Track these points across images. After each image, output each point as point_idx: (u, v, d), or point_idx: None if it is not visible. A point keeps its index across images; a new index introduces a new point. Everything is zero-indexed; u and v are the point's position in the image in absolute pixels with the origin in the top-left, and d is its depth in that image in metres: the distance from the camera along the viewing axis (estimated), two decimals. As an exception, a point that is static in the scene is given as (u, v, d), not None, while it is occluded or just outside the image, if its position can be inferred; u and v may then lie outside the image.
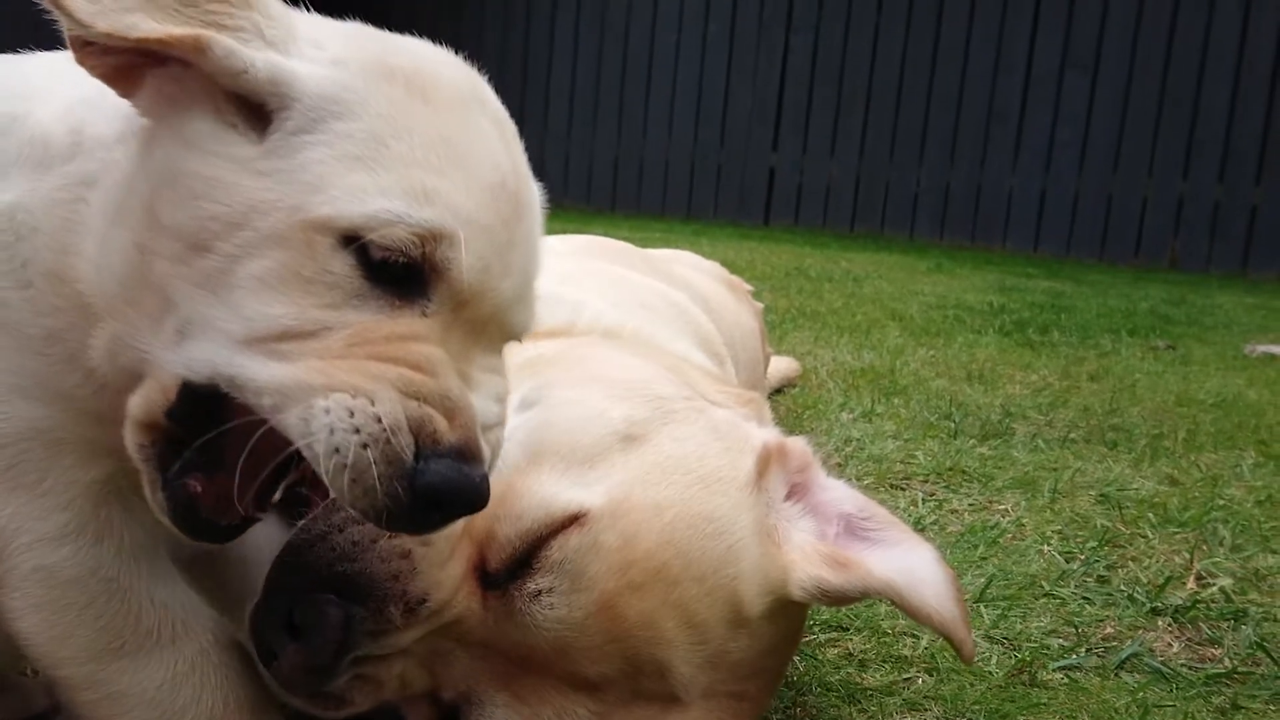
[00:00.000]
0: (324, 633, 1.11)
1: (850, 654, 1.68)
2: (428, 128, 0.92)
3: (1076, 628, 1.82)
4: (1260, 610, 1.93)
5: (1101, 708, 1.56)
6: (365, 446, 0.86)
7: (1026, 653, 1.71)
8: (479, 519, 1.12)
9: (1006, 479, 2.62)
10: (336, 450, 0.86)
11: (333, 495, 0.89)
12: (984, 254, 9.01)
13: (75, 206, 0.98)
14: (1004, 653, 1.72)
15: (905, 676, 1.62)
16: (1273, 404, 3.76)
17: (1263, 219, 8.86)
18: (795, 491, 1.34)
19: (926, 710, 1.53)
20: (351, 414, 0.86)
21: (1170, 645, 1.79)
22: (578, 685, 1.16)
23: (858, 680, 1.61)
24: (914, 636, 1.74)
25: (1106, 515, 2.39)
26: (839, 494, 1.36)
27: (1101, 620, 1.86)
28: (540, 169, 1.08)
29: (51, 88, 1.05)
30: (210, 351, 0.89)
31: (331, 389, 0.87)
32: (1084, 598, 1.94)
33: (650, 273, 2.07)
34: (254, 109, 0.91)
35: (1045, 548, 2.17)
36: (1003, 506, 2.43)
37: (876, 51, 9.98)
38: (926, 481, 2.58)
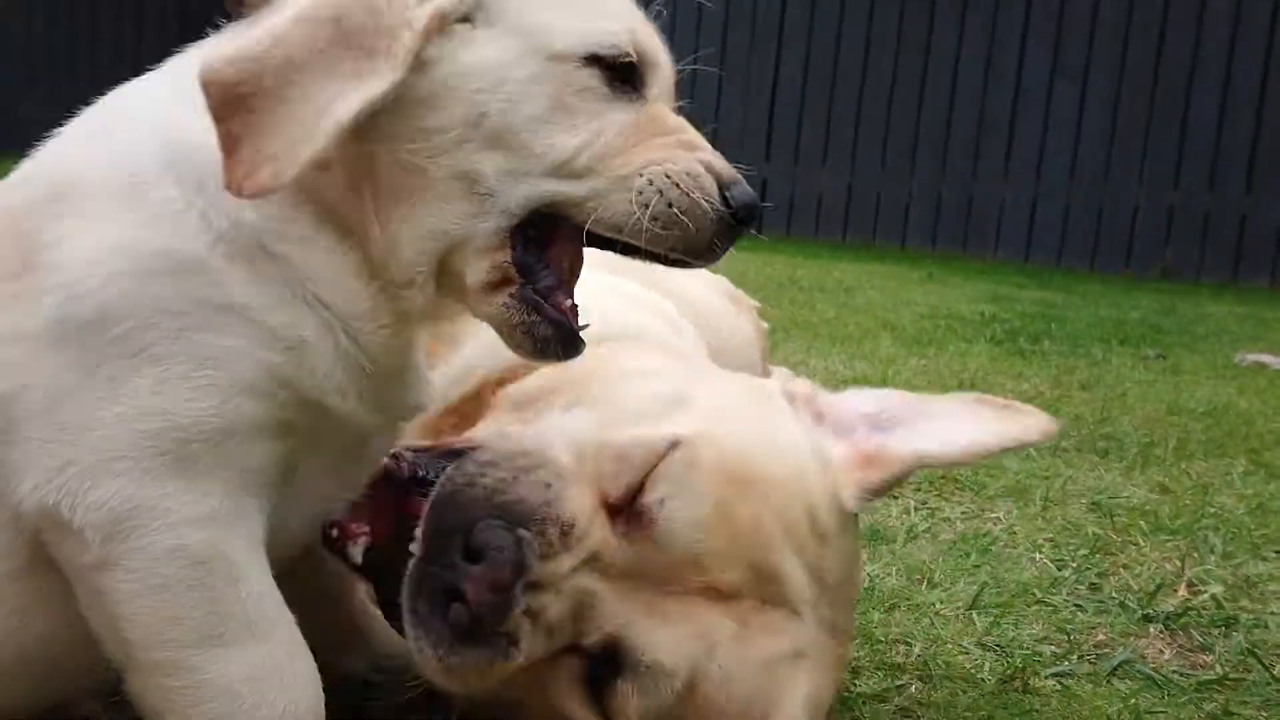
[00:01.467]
0: (502, 551, 1.17)
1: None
2: None
3: (1068, 635, 1.82)
4: (1251, 617, 1.94)
5: (1094, 714, 1.57)
6: (686, 194, 1.12)
7: (1019, 660, 1.72)
8: (590, 463, 1.27)
9: (998, 487, 2.63)
10: (670, 204, 1.11)
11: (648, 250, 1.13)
12: (975, 264, 9.04)
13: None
14: (996, 660, 1.72)
15: (898, 683, 1.63)
16: (1263, 413, 3.78)
17: (1253, 228, 8.90)
18: (817, 417, 1.45)
19: (919, 717, 1.54)
20: (668, 175, 1.12)
21: (1162, 652, 1.80)
22: (715, 597, 1.24)
23: (850, 687, 1.61)
24: (906, 644, 1.75)
25: (1098, 523, 2.40)
26: (850, 402, 1.47)
27: (1093, 627, 1.86)
28: (533, 182, 1.14)
29: None
30: (521, 193, 1.10)
31: (643, 168, 1.12)
32: (1076, 605, 1.95)
33: (646, 282, 2.08)
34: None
35: (1037, 555, 2.18)
36: (995, 514, 2.44)
37: (868, 63, 10.02)
38: (919, 490, 2.59)
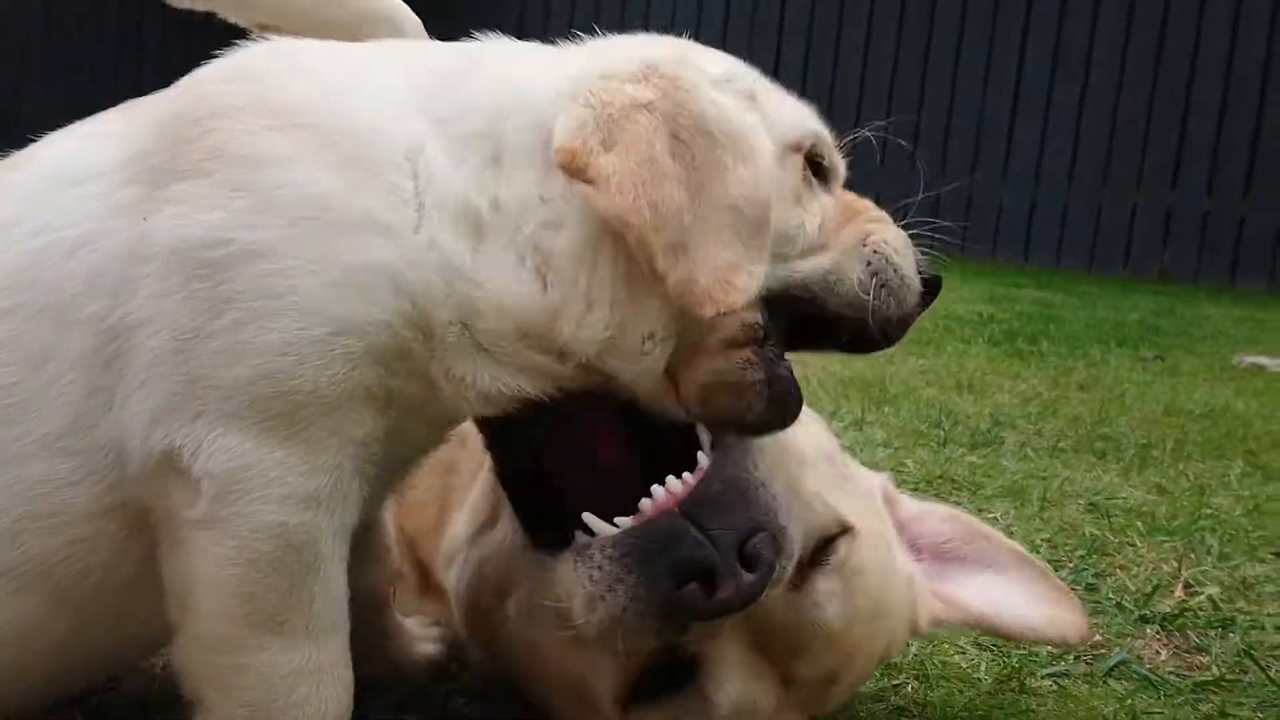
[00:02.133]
0: (770, 574, 1.16)
1: (840, 661, 1.68)
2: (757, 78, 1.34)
3: (1065, 635, 1.82)
4: (1247, 619, 1.94)
5: (1090, 715, 1.57)
6: (897, 269, 1.23)
7: (1015, 660, 1.72)
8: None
9: (996, 487, 2.63)
10: (895, 269, 1.22)
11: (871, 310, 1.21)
12: (973, 264, 9.04)
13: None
14: (993, 660, 1.72)
15: (894, 683, 1.62)
16: (1260, 414, 3.78)
17: (1251, 231, 8.90)
18: (897, 526, 1.48)
19: (915, 716, 1.54)
20: (887, 242, 1.24)
21: (1158, 653, 1.80)
22: (782, 677, 1.27)
23: (847, 687, 1.61)
24: (903, 643, 1.75)
25: (1095, 524, 2.40)
26: (926, 523, 1.51)
27: (1090, 628, 1.86)
28: (533, 178, 1.11)
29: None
30: (777, 274, 1.17)
31: (864, 240, 1.23)
32: (1072, 605, 1.95)
33: None
34: None
35: (1034, 556, 2.17)
36: (992, 515, 2.44)
37: (867, 61, 10.01)
38: (916, 490, 2.59)
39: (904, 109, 9.87)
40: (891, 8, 9.89)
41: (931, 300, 1.28)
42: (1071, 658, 1.75)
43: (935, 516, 1.51)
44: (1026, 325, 5.58)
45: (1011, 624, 1.43)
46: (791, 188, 1.21)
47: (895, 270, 1.23)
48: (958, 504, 2.49)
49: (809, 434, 1.39)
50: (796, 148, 1.24)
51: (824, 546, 1.28)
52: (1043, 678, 1.67)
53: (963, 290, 7.03)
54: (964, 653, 1.74)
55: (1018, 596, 1.43)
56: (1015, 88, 9.53)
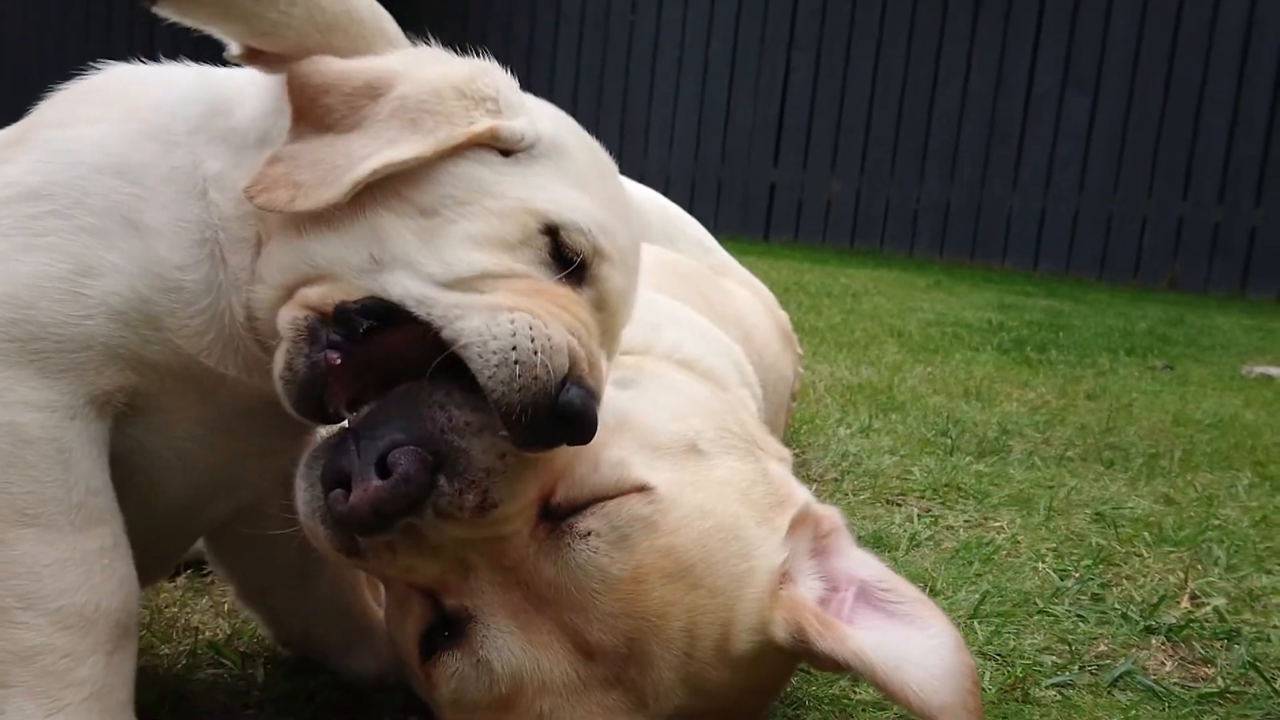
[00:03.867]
0: (408, 486, 1.13)
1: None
2: (604, 181, 1.30)
3: (1070, 645, 1.82)
4: (1254, 630, 1.93)
5: (1093, 725, 1.56)
6: (535, 353, 1.08)
7: (1020, 669, 1.71)
8: (561, 455, 1.23)
9: (1002, 496, 2.63)
10: (514, 348, 1.08)
11: (488, 390, 1.08)
12: (983, 272, 9.03)
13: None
14: (997, 669, 1.72)
15: (898, 692, 1.62)
16: (1269, 425, 3.77)
17: (1262, 240, 8.87)
18: (817, 552, 1.39)
19: (919, 725, 1.53)
20: (530, 328, 1.10)
21: (1163, 664, 1.79)
22: (576, 645, 1.21)
23: (850, 695, 1.61)
24: (907, 652, 1.74)
25: (1102, 533, 2.39)
26: (858, 562, 1.38)
27: (1095, 638, 1.86)
28: (541, 182, 1.17)
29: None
30: (405, 282, 1.12)
31: (517, 309, 1.11)
32: (1078, 615, 1.94)
33: (706, 307, 2.10)
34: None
35: (1040, 565, 2.17)
36: (998, 523, 2.43)
37: (878, 69, 10.01)
38: (922, 498, 2.59)
39: (914, 119, 9.87)
40: (902, 18, 9.89)
41: (559, 424, 1.10)
42: (1076, 668, 1.74)
43: (875, 565, 1.36)
44: (1035, 333, 5.57)
45: (894, 683, 1.21)
46: (502, 234, 1.16)
47: (514, 346, 1.09)
48: (964, 512, 2.49)
49: (668, 415, 1.38)
50: (547, 225, 1.19)
51: (601, 500, 1.24)
52: (1047, 688, 1.67)
53: (972, 298, 7.02)
54: None
55: (927, 667, 1.22)
56: (1026, 97, 9.52)
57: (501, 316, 1.10)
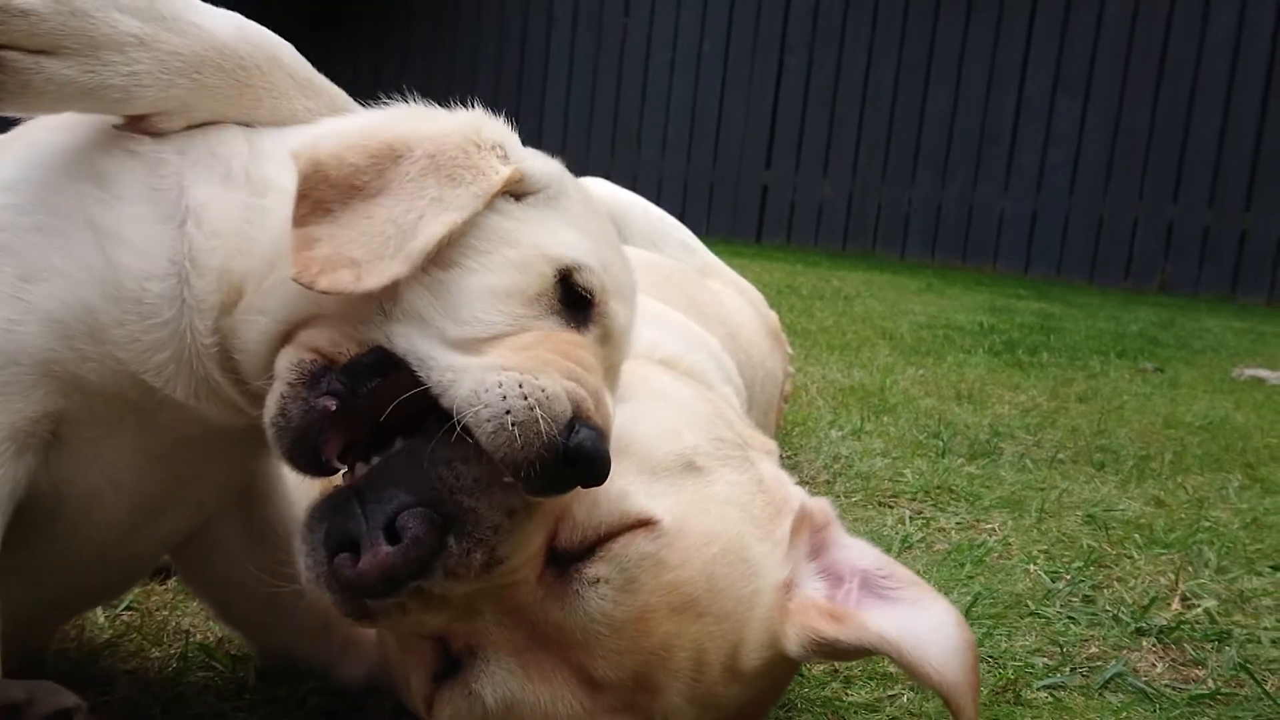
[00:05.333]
0: (418, 550, 1.11)
1: (835, 670, 1.68)
2: (597, 217, 1.30)
3: (1061, 647, 1.82)
4: (1244, 632, 1.93)
5: (1085, 727, 1.57)
6: (531, 409, 1.05)
7: (1011, 671, 1.72)
8: (565, 500, 1.21)
9: (994, 498, 2.63)
10: (508, 411, 1.05)
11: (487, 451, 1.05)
12: (974, 274, 9.05)
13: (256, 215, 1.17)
14: (989, 671, 1.72)
15: (889, 693, 1.62)
16: (1259, 427, 3.78)
17: (1252, 243, 8.91)
18: (815, 550, 1.39)
19: (911, 727, 1.53)
20: (520, 385, 1.06)
21: (1154, 665, 1.79)
22: (581, 679, 1.20)
23: (842, 697, 1.61)
24: (899, 654, 1.75)
25: (1093, 535, 2.40)
26: (856, 552, 1.39)
27: (1086, 640, 1.86)
28: (533, 184, 1.16)
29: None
30: (415, 338, 1.09)
31: (506, 368, 1.07)
32: (1069, 617, 1.95)
33: (689, 307, 2.09)
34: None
35: (1031, 567, 2.18)
36: (990, 525, 2.44)
37: (870, 72, 10.03)
38: (914, 500, 2.59)
39: (906, 122, 9.89)
40: (894, 22, 9.92)
41: (573, 470, 1.08)
42: (1068, 669, 1.75)
43: (872, 553, 1.39)
44: (1027, 336, 5.58)
45: (915, 658, 1.26)
46: (520, 287, 1.14)
47: (508, 409, 1.05)
48: (955, 514, 2.49)
49: (661, 432, 1.36)
50: (561, 270, 1.17)
51: (606, 539, 1.22)
52: (1038, 689, 1.67)
53: (963, 300, 7.04)
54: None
55: (939, 643, 1.27)
56: (1017, 100, 9.55)
57: (490, 379, 1.06)
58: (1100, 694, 1.68)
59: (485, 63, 11.07)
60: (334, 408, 1.08)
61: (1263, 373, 4.98)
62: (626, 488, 1.26)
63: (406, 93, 1.28)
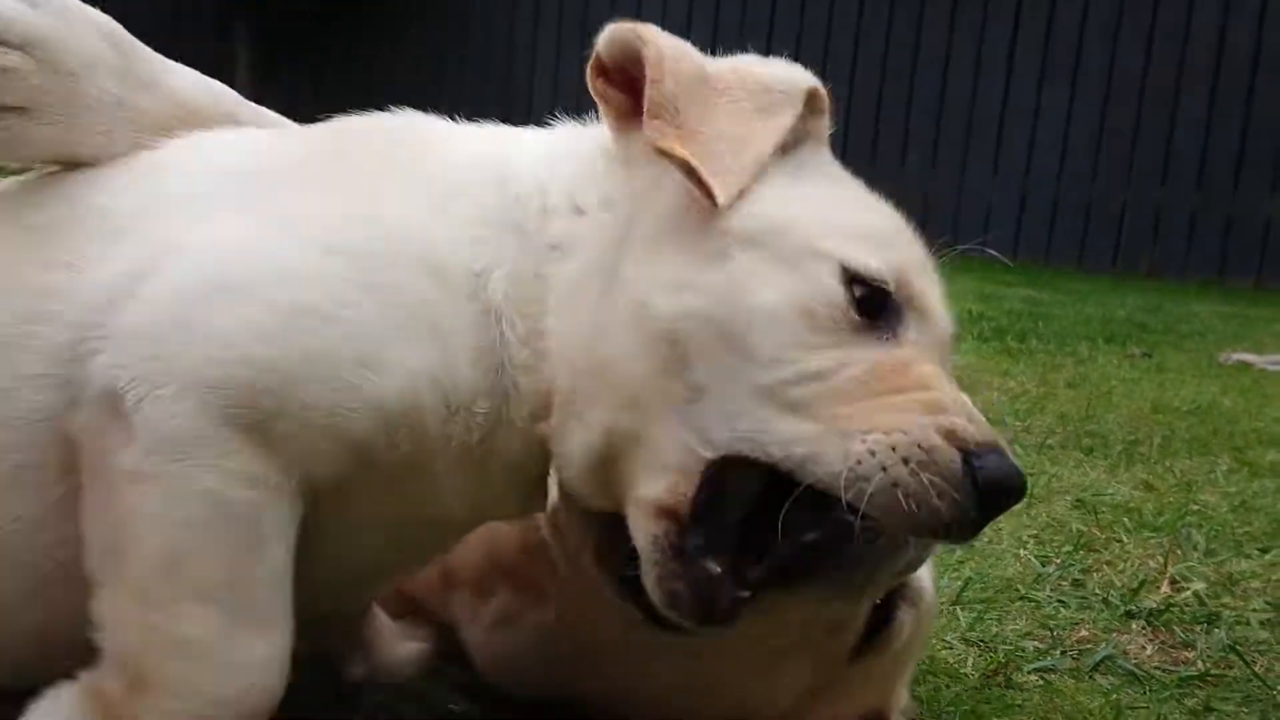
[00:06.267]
0: None
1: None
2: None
3: (1051, 630, 1.83)
4: (1233, 614, 1.95)
5: (1075, 709, 1.58)
6: (914, 474, 0.92)
7: (1002, 655, 1.73)
8: None
9: (984, 484, 2.64)
10: (894, 484, 0.91)
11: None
12: (962, 260, 9.03)
13: (544, 279, 1.06)
14: (979, 655, 1.73)
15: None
16: (1246, 411, 3.80)
17: (1239, 228, 8.94)
18: None
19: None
20: (894, 448, 0.92)
21: (1144, 648, 1.81)
22: None
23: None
24: (891, 639, 1.76)
25: (1082, 520, 2.41)
26: None
27: (1076, 623, 1.87)
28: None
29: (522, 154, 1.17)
30: (728, 409, 0.96)
31: (866, 431, 0.93)
32: (1059, 601, 1.96)
33: None
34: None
35: (1021, 552, 2.19)
36: (980, 511, 2.44)
37: (857, 59, 10.02)
38: (905, 486, 2.60)
39: (894, 108, 9.89)
40: (881, 8, 9.91)
41: (991, 513, 0.96)
42: (1058, 653, 1.76)
43: None
44: (1015, 322, 5.59)
45: None
46: (802, 297, 0.99)
47: (894, 481, 0.92)
48: (946, 501, 2.50)
49: None
50: (843, 268, 1.01)
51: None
52: (1029, 673, 1.68)
53: (952, 287, 7.01)
54: (951, 648, 1.75)
55: None
56: (1005, 86, 9.56)
57: (854, 449, 0.93)
58: (1090, 677, 1.69)
59: (472, 60, 11.00)
60: (719, 570, 0.97)
61: (1249, 357, 5.00)
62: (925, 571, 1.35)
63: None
